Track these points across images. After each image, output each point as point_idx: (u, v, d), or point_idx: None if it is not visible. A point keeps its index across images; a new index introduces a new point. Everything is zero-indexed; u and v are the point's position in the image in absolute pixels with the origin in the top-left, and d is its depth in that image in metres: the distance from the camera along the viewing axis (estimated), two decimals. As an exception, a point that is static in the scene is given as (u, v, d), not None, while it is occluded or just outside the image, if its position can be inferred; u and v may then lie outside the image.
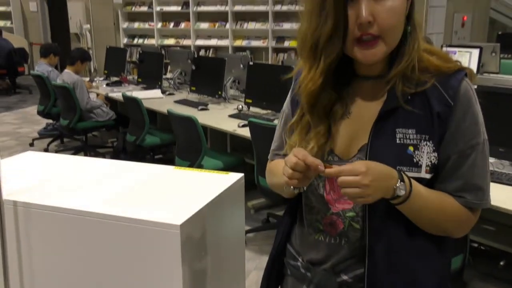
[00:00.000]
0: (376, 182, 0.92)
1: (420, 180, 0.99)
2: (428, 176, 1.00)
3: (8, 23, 11.19)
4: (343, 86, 1.06)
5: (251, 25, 9.03)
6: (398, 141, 0.99)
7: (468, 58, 5.14)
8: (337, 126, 1.06)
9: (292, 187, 0.99)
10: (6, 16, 11.25)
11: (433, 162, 0.99)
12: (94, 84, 5.95)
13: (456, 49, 5.33)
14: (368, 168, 0.91)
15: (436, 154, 0.99)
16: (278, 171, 1.07)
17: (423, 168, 0.99)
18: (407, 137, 0.99)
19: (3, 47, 9.02)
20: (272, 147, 1.25)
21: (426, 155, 0.99)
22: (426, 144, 0.99)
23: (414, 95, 0.99)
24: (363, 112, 1.05)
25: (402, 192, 0.95)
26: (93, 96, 5.42)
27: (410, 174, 0.98)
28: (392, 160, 0.98)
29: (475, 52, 5.15)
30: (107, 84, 5.88)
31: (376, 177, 0.92)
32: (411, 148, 0.99)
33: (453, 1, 8.76)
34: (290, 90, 1.19)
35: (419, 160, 0.99)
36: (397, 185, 0.94)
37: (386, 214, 1.01)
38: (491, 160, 2.52)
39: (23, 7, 11.29)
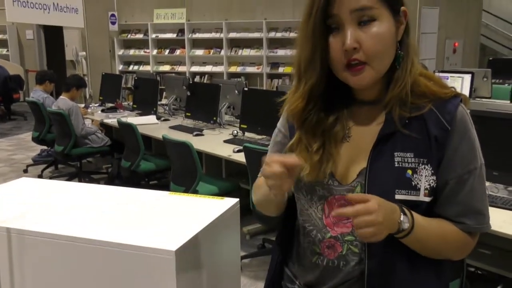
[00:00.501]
0: (386, 218, 0.92)
1: (419, 204, 1.00)
2: (427, 199, 1.00)
3: (4, 51, 11.28)
4: (341, 108, 1.07)
5: (246, 52, 9.14)
6: (396, 165, 1.00)
7: (461, 83, 5.21)
8: (338, 150, 1.07)
9: (279, 195, 1.00)
10: (2, 43, 11.34)
11: (431, 185, 1.00)
12: (89, 110, 5.96)
13: (449, 75, 5.41)
14: (380, 205, 0.91)
15: (434, 178, 1.00)
16: (263, 185, 1.08)
17: (422, 191, 1.00)
18: (406, 160, 1.00)
19: (-1, 74, 9.07)
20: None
21: (424, 178, 0.99)
22: (425, 168, 0.99)
23: (411, 119, 1.00)
24: (362, 136, 1.06)
25: (406, 226, 0.95)
26: (88, 122, 5.43)
27: (409, 197, 0.99)
28: (391, 183, 0.99)
29: (467, 78, 5.22)
30: (102, 110, 5.89)
31: (385, 212, 0.92)
32: (409, 172, 1.00)
33: (444, 28, 8.93)
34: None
35: (418, 183, 0.99)
36: (401, 219, 0.95)
37: (385, 238, 1.01)
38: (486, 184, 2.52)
39: (20, 35, 11.39)
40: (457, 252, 1.05)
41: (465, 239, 1.03)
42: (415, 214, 0.98)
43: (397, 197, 0.99)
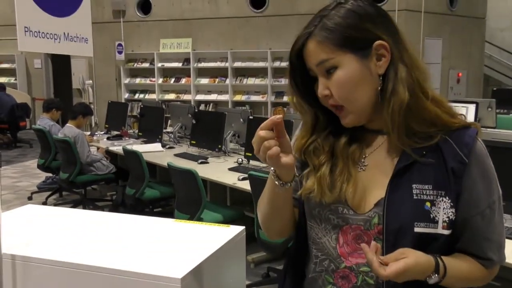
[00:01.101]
0: (416, 274, 0.95)
1: (439, 237, 0.99)
2: (446, 232, 0.99)
3: (12, 79, 11.43)
4: (352, 134, 1.08)
5: (251, 81, 9.23)
6: (415, 197, 0.99)
7: (465, 113, 5.21)
8: (353, 177, 1.05)
9: (279, 181, 1.01)
10: (11, 72, 11.51)
11: (450, 218, 0.99)
12: (95, 138, 6.00)
13: (453, 104, 5.40)
14: (416, 263, 0.94)
15: (453, 210, 0.99)
16: (266, 191, 1.11)
17: (440, 224, 0.99)
18: (424, 192, 0.99)
19: (6, 102, 9.17)
20: None
21: (442, 210, 0.99)
22: (443, 200, 0.99)
23: (428, 150, 1.00)
24: (378, 165, 1.05)
25: (432, 281, 0.97)
26: (93, 149, 5.45)
27: (428, 230, 0.98)
28: (410, 215, 0.98)
29: (472, 108, 5.23)
30: (108, 138, 5.92)
31: (418, 270, 0.95)
32: (428, 204, 0.99)
33: (448, 59, 9.01)
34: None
35: (436, 215, 0.99)
36: (432, 277, 0.97)
37: None
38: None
39: (28, 64, 11.57)
40: (478, 284, 1.07)
41: (488, 275, 1.04)
42: (449, 265, 0.99)
43: (416, 230, 0.98)
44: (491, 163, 1.03)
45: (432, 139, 1.00)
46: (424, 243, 0.98)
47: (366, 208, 1.04)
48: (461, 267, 1.01)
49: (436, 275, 0.96)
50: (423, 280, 0.97)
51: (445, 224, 0.99)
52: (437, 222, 0.98)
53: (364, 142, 1.08)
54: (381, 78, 1.00)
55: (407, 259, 0.93)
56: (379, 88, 1.00)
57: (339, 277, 1.07)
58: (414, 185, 0.99)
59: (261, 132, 0.95)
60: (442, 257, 0.99)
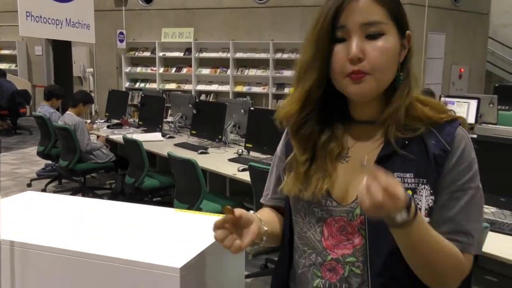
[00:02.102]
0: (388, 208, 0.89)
1: None
2: (427, 219, 0.99)
3: (13, 66, 11.40)
4: (337, 126, 1.08)
5: (252, 72, 9.20)
6: None
7: (467, 109, 5.21)
8: (335, 168, 1.06)
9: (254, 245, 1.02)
10: (11, 59, 11.47)
11: (430, 205, 0.99)
12: (95, 126, 5.98)
13: (455, 100, 5.42)
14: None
15: (433, 197, 0.99)
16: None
17: (423, 212, 0.98)
18: (405, 181, 0.99)
19: (7, 88, 9.14)
20: (265, 192, 1.26)
21: (424, 198, 0.99)
22: (424, 188, 0.99)
23: (411, 141, 1.01)
24: (360, 157, 1.05)
25: (400, 218, 0.88)
26: (93, 138, 5.44)
27: (409, 218, 0.97)
28: None
29: (473, 103, 5.23)
30: (108, 127, 5.91)
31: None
32: (409, 192, 0.98)
33: (450, 54, 8.98)
34: (284, 134, 1.20)
35: (418, 203, 0.99)
36: (403, 212, 0.88)
37: (388, 258, 0.99)
38: (492, 209, 2.49)
39: (29, 51, 11.53)
40: (451, 269, 0.99)
41: (458, 256, 0.98)
42: (420, 214, 0.94)
43: (398, 218, 0.96)
44: (473, 154, 1.01)
45: (417, 131, 1.01)
46: None
47: (349, 199, 1.04)
48: (432, 230, 0.96)
49: (404, 212, 0.87)
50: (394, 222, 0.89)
51: (426, 211, 0.99)
52: (419, 210, 0.97)
53: (350, 134, 1.08)
54: (399, 66, 1.02)
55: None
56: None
57: (326, 270, 1.07)
58: (395, 174, 0.99)
59: (215, 235, 0.97)
60: None
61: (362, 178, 0.99)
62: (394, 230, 0.92)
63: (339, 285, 1.05)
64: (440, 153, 0.99)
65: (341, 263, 1.05)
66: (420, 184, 0.99)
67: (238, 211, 0.98)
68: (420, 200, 0.99)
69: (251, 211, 1.08)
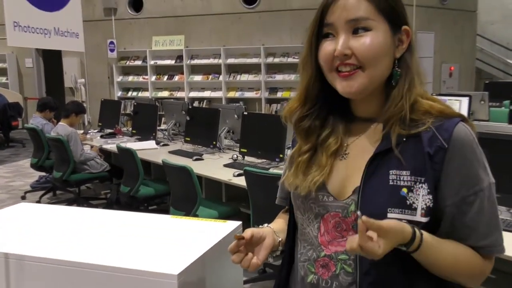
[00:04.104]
0: (393, 244, 0.92)
1: (416, 224, 0.96)
2: (424, 219, 0.97)
3: (4, 79, 11.34)
4: (338, 123, 1.10)
5: (244, 77, 9.20)
6: (391, 183, 0.98)
7: (458, 107, 5.23)
8: (333, 166, 1.07)
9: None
10: (2, 72, 11.41)
11: (428, 205, 0.97)
12: (88, 136, 5.96)
13: (446, 98, 5.43)
14: (392, 233, 0.91)
15: (431, 197, 0.97)
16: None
17: (419, 211, 0.97)
18: (401, 178, 0.98)
19: (-2, 101, 9.10)
20: (278, 194, 1.28)
21: (421, 197, 0.97)
22: (422, 187, 0.97)
23: (408, 138, 0.99)
24: (360, 154, 1.05)
25: (404, 248, 0.94)
26: (87, 148, 5.42)
27: (403, 216, 0.96)
28: (384, 202, 0.97)
29: (465, 101, 5.25)
30: (101, 136, 5.89)
31: (396, 241, 0.92)
32: (404, 190, 0.97)
33: (440, 52, 9.02)
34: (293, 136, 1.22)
35: (414, 202, 0.97)
36: (404, 244, 0.93)
37: (378, 260, 0.99)
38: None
39: (19, 63, 11.47)
40: (472, 276, 1.02)
41: (479, 261, 1.00)
42: (426, 236, 0.95)
43: (390, 215, 0.96)
44: (478, 149, 0.99)
45: (419, 127, 0.99)
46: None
47: (346, 195, 1.04)
48: (443, 242, 0.98)
49: (406, 246, 0.93)
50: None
51: (423, 211, 0.97)
52: (415, 209, 0.97)
53: (350, 130, 1.09)
54: (396, 62, 1.02)
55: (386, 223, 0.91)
56: (391, 70, 1.02)
57: (319, 266, 1.07)
58: (391, 171, 0.99)
59: (232, 259, 1.04)
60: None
61: (358, 176, 1.01)
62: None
63: (330, 282, 1.05)
64: (437, 151, 0.97)
65: (333, 260, 1.05)
66: (417, 183, 0.97)
67: (249, 232, 1.05)
68: (416, 199, 0.97)
69: (265, 225, 1.15)
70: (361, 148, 1.06)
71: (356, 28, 0.98)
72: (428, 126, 0.98)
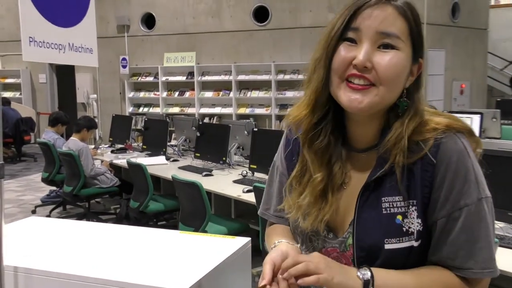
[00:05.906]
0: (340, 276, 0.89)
1: (409, 249, 0.93)
2: (415, 243, 0.93)
3: (18, 94, 11.50)
4: (340, 151, 1.03)
5: (255, 94, 9.24)
6: (384, 212, 0.94)
7: (470, 124, 5.20)
8: (334, 197, 1.01)
9: None
10: (16, 87, 11.59)
11: (418, 229, 0.93)
12: (99, 151, 6.00)
13: (457, 115, 5.38)
14: (327, 266, 0.89)
15: (420, 221, 0.93)
16: (271, 241, 1.08)
17: (415, 236, 0.93)
18: (394, 205, 0.94)
19: (11, 116, 9.20)
20: (266, 206, 1.22)
21: (416, 220, 0.93)
22: (414, 210, 0.93)
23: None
24: (356, 184, 1.00)
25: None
26: (97, 163, 5.46)
27: (402, 245, 0.93)
28: (379, 233, 0.94)
29: (476, 118, 5.21)
30: (112, 151, 5.93)
31: (338, 272, 0.90)
32: (399, 217, 0.93)
33: (451, 70, 9.01)
34: (284, 145, 1.16)
35: (410, 227, 0.93)
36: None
37: None
38: (501, 224, 2.46)
39: (33, 79, 11.64)
40: None
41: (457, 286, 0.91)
42: (377, 272, 0.90)
43: (387, 247, 0.92)
44: (469, 162, 0.91)
45: (420, 152, 0.93)
46: (396, 259, 0.93)
47: (344, 229, 1.00)
48: (403, 276, 0.91)
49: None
50: None
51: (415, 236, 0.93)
52: (412, 233, 0.92)
53: (350, 156, 1.03)
54: (404, 92, 0.95)
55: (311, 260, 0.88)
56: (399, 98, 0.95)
57: None
58: (383, 198, 0.94)
59: None
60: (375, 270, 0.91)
61: (353, 208, 0.97)
62: None
63: None
64: (426, 167, 0.92)
65: None
66: (410, 207, 0.93)
67: (267, 270, 0.92)
68: (412, 223, 0.93)
69: (277, 241, 1.05)
70: (358, 178, 1.01)
71: (385, 43, 0.90)
72: (430, 147, 0.93)
